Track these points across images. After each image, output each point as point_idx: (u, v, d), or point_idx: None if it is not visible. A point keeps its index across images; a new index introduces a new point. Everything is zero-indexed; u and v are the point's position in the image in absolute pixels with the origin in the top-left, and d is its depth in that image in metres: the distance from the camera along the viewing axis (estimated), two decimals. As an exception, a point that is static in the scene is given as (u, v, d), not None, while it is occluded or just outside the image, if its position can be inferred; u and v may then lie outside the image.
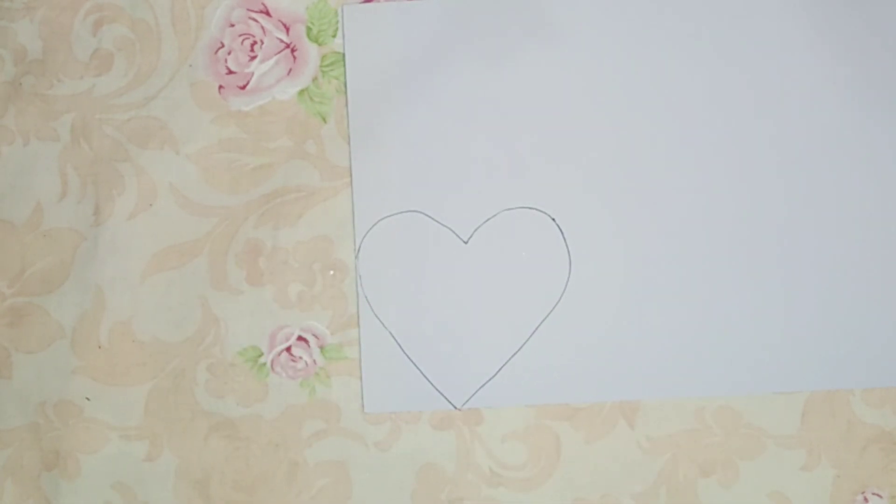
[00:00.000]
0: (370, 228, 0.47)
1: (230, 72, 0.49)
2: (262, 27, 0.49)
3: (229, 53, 0.49)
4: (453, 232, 0.47)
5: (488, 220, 0.47)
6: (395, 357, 0.47)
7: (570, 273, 0.46)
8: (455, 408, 0.47)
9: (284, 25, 0.49)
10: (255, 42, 0.49)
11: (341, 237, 0.48)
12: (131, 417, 0.47)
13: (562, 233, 0.47)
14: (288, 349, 0.47)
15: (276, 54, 0.49)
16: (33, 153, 0.49)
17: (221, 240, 0.48)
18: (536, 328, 0.46)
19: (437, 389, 0.46)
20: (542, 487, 0.46)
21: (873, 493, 0.46)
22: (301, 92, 0.48)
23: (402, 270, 0.47)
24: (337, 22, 0.49)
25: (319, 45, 0.49)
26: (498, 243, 0.47)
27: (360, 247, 0.47)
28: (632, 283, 0.46)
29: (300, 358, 0.47)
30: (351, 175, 0.48)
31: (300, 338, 0.47)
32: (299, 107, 0.48)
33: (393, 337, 0.47)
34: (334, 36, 0.49)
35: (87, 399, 0.48)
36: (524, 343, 0.46)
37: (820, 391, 0.46)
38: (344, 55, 0.48)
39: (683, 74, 0.47)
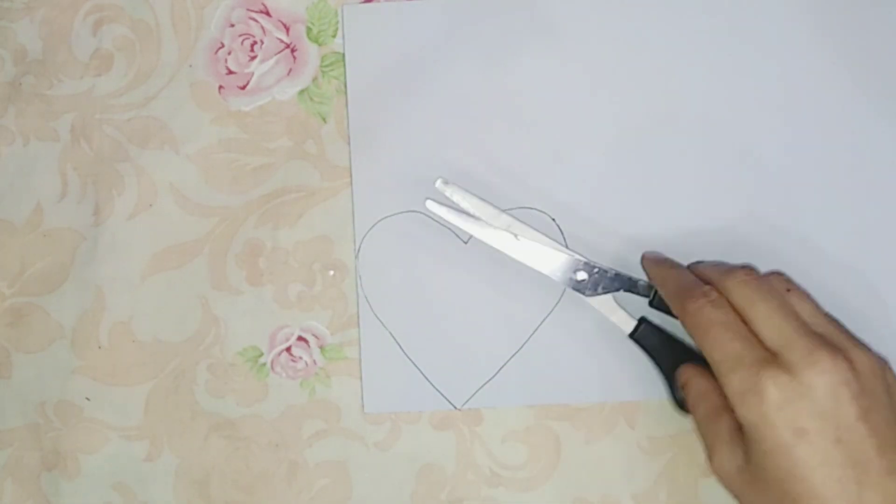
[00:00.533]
0: (370, 228, 0.47)
1: (230, 72, 0.49)
2: (262, 27, 0.49)
3: (229, 53, 0.49)
4: (453, 232, 0.47)
5: (488, 220, 0.47)
6: (394, 357, 0.47)
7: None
8: (455, 408, 0.46)
9: (284, 25, 0.49)
10: (255, 42, 0.49)
11: (341, 237, 0.48)
12: (131, 417, 0.47)
13: (562, 233, 0.47)
14: (288, 349, 0.47)
15: (276, 54, 0.49)
16: (33, 153, 0.49)
17: (221, 240, 0.48)
18: (536, 328, 0.46)
19: (436, 389, 0.46)
20: (542, 488, 0.46)
21: (873, 494, 0.46)
22: (301, 92, 0.48)
23: (402, 270, 0.47)
24: (337, 22, 0.49)
25: (319, 45, 0.49)
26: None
27: (359, 247, 0.47)
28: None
29: (300, 358, 0.47)
30: (351, 175, 0.48)
31: (300, 338, 0.47)
32: (299, 107, 0.48)
33: (393, 337, 0.47)
34: (334, 36, 0.49)
35: (87, 399, 0.48)
36: (524, 343, 0.46)
37: (820, 391, 0.46)
38: (344, 55, 0.48)
39: (684, 74, 0.47)
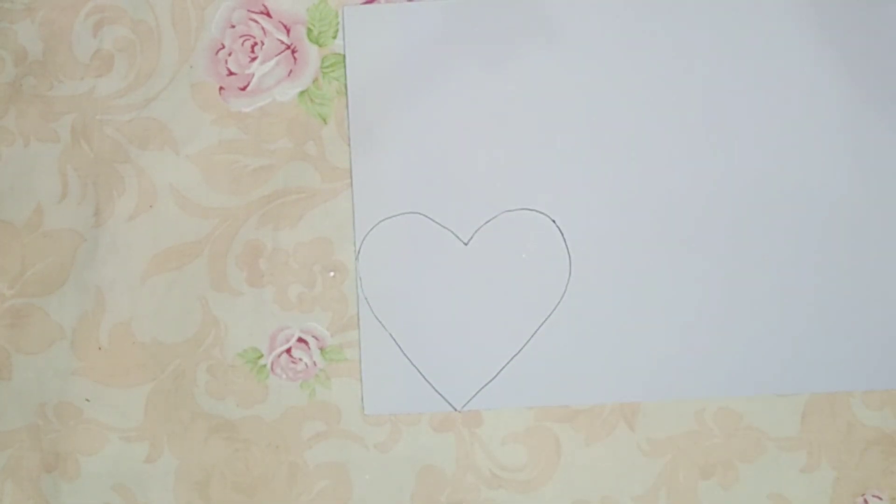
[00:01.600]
0: (370, 230, 0.47)
1: (231, 73, 0.49)
2: (263, 28, 0.49)
3: (230, 54, 0.49)
4: (453, 233, 0.47)
5: (488, 221, 0.47)
6: (395, 359, 0.47)
7: (570, 275, 0.46)
8: (455, 409, 0.47)
9: (285, 27, 0.49)
10: (255, 43, 0.49)
11: (341, 239, 0.48)
12: (131, 419, 0.47)
13: (562, 234, 0.47)
14: (288, 351, 0.47)
15: (276, 55, 0.49)
16: (33, 154, 0.49)
17: (221, 241, 0.48)
18: (536, 330, 0.46)
19: (436, 391, 0.46)
20: (542, 489, 0.46)
21: (873, 496, 0.46)
22: (301, 93, 0.48)
23: (403, 272, 0.47)
24: (337, 23, 0.49)
25: (320, 46, 0.49)
26: (498, 245, 0.47)
27: (360, 248, 0.47)
28: (632, 285, 0.46)
29: (300, 359, 0.47)
30: (351, 176, 0.48)
31: (300, 339, 0.47)
32: (300, 108, 0.48)
33: (393, 338, 0.47)
34: (335, 37, 0.49)
35: (87, 400, 0.48)
36: (524, 345, 0.46)
37: (820, 393, 0.46)
38: (344, 56, 0.48)
39: (683, 75, 0.47)
